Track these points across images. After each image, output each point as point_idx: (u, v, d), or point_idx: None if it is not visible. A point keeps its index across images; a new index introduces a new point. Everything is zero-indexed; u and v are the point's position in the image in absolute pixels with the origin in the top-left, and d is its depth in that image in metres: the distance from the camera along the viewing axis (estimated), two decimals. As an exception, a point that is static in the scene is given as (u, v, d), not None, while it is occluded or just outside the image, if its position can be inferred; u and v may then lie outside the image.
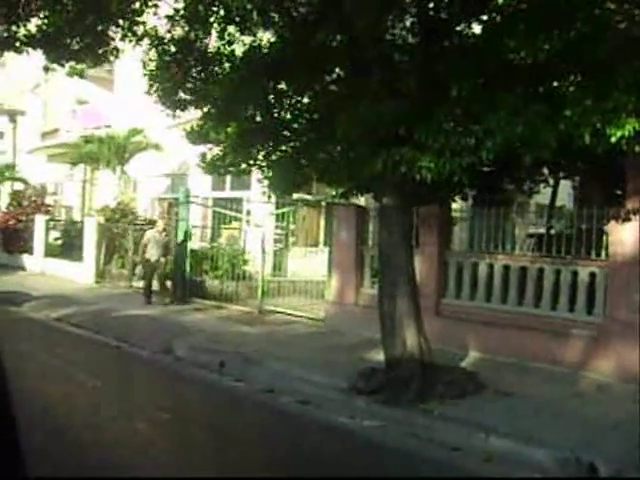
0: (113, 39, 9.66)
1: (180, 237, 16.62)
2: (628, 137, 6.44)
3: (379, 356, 8.90)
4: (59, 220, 26.08)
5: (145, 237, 16.34)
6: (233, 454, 6.35)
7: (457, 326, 10.76)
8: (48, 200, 28.15)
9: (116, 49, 9.92)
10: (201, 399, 8.49)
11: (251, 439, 6.90)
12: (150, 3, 9.31)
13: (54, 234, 23.78)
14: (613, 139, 6.48)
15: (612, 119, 6.40)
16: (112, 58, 10.15)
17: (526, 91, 7.13)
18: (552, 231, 12.06)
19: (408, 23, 8.36)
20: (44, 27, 9.22)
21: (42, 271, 22.16)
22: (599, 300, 9.51)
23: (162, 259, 16.08)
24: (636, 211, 8.90)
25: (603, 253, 9.83)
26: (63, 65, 10.04)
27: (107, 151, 24.20)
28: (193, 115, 10.31)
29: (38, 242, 23.35)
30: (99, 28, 9.26)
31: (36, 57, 10.61)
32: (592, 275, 9.59)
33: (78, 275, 20.32)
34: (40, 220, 23.63)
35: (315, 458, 6.38)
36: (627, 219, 8.99)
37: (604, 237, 9.75)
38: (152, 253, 15.93)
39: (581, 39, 6.75)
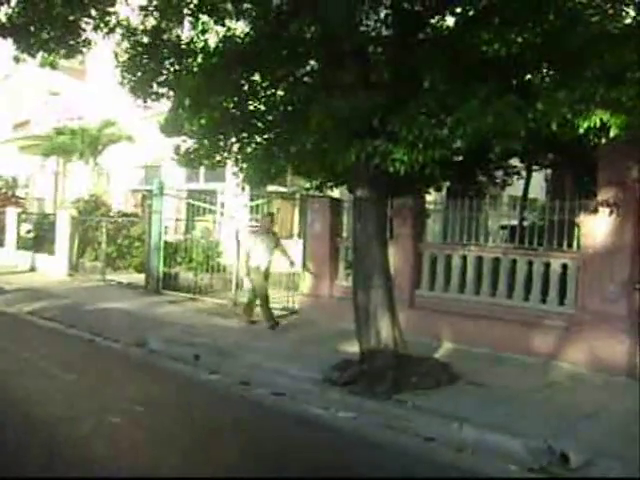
0: (85, 30, 9.54)
1: (154, 229, 16.51)
2: (594, 128, 6.51)
3: (354, 348, 8.92)
4: (31, 213, 25.80)
5: (250, 240, 12.73)
6: (208, 446, 6.34)
7: (431, 317, 10.83)
8: (20, 192, 27.85)
9: (88, 40, 9.79)
10: (176, 392, 8.46)
11: (226, 431, 6.90)
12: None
13: (26, 227, 23.51)
14: (581, 130, 6.56)
15: (581, 111, 6.46)
16: (84, 49, 10.02)
17: (499, 83, 7.17)
18: (525, 223, 12.17)
19: (382, 15, 8.36)
20: (14, 17, 9.09)
21: (14, 264, 21.91)
22: (571, 291, 9.62)
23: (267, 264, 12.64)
24: (607, 203, 8.99)
25: (575, 244, 9.94)
26: (34, 56, 9.89)
27: (80, 143, 24.04)
28: (167, 106, 10.24)
29: (10, 235, 23.10)
30: (70, 18, 9.14)
31: (6, 47, 10.47)
32: (564, 266, 9.68)
33: (51, 268, 20.13)
34: (12, 213, 23.36)
35: (290, 450, 6.40)
36: (598, 211, 9.09)
37: (576, 229, 9.86)
38: (261, 259, 12.37)
39: (553, 32, 6.81)
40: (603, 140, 6.86)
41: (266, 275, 12.51)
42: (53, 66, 11.38)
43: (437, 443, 6.58)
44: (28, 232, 23.28)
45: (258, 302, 12.48)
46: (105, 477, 5.48)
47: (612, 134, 6.60)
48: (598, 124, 6.46)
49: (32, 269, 20.93)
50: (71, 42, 9.59)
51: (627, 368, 8.71)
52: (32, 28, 9.17)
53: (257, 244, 12.33)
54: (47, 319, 12.94)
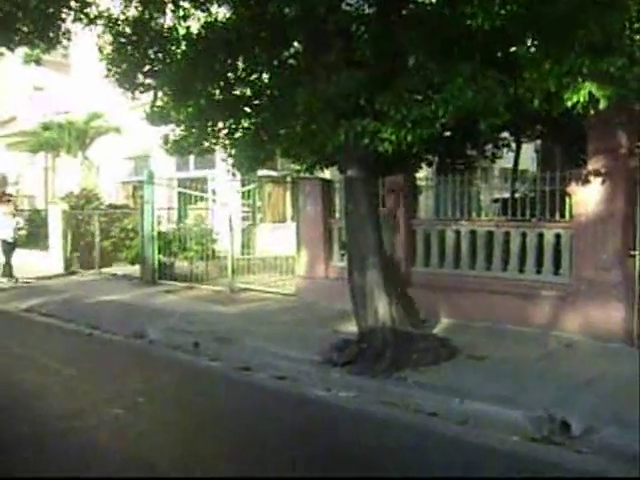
0: (64, 21, 9.46)
1: (147, 220, 16.48)
2: (583, 102, 6.51)
3: (352, 328, 8.96)
4: (22, 210, 25.69)
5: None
6: (214, 433, 6.38)
7: (428, 294, 10.82)
8: (10, 190, 27.72)
9: (68, 32, 9.73)
10: (177, 381, 8.47)
11: (230, 417, 6.92)
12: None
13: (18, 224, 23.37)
14: (569, 103, 6.56)
15: (569, 83, 6.46)
16: (65, 41, 9.95)
17: (484, 57, 7.16)
18: (516, 195, 12.19)
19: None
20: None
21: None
22: (565, 260, 9.66)
23: None
24: (598, 171, 9.01)
25: (567, 214, 9.97)
26: (12, 50, 9.80)
27: (67, 137, 23.94)
28: (153, 96, 10.20)
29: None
30: (50, 11, 9.06)
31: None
32: (557, 236, 9.71)
33: (45, 264, 20.08)
34: (2, 210, 23.21)
35: (294, 432, 6.43)
36: (589, 180, 9.11)
37: (567, 198, 9.88)
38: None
39: (536, 2, 6.79)
40: (591, 112, 6.86)
41: None
42: (37, 62, 11.30)
43: (440, 418, 6.62)
44: (20, 229, 23.18)
45: None
46: (105, 477, 5.50)
47: (601, 106, 6.61)
48: (587, 98, 6.46)
49: (26, 266, 20.85)
50: (51, 34, 9.51)
51: (623, 335, 8.77)
52: (11, 22, 9.09)
53: None
54: (45, 315, 12.93)
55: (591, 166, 9.12)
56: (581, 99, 6.47)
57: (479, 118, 7.26)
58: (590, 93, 6.43)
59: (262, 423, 6.69)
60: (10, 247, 17.70)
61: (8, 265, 17.53)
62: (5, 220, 17.90)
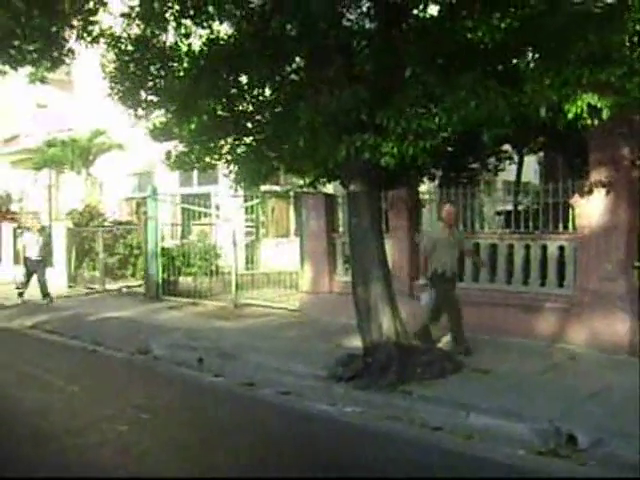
0: (67, 40, 9.51)
1: (151, 236, 16.50)
2: (582, 113, 6.52)
3: (356, 342, 8.94)
4: (26, 227, 25.73)
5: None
6: (218, 449, 6.35)
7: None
8: (14, 207, 27.77)
9: (71, 51, 9.77)
10: (182, 397, 8.46)
11: (235, 433, 6.90)
12: (104, 0, 9.20)
13: (22, 242, 23.42)
14: (570, 115, 6.58)
15: (568, 95, 6.48)
16: (68, 60, 9.99)
17: (485, 70, 7.18)
18: (520, 207, 12.19)
19: (365, 8, 8.36)
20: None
21: (13, 279, 21.83)
22: (569, 272, 9.64)
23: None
24: (600, 182, 9.02)
25: (571, 226, 9.96)
26: (16, 69, 9.85)
27: (71, 154, 23.99)
28: (156, 113, 10.23)
29: (6, 250, 23.03)
30: (53, 29, 9.11)
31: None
32: (561, 248, 9.71)
33: (50, 281, 20.08)
34: (7, 228, 23.31)
35: (300, 447, 6.41)
36: (592, 191, 9.11)
37: (570, 210, 9.87)
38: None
39: (536, 15, 6.82)
40: (596, 122, 6.87)
41: None
42: (42, 81, 11.33)
43: (445, 432, 6.60)
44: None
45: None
46: (105, 477, 5.47)
47: (605, 116, 6.62)
48: (585, 109, 6.48)
49: (31, 283, 20.86)
50: (54, 53, 9.56)
51: (628, 346, 8.75)
52: (14, 41, 9.14)
53: None
54: (49, 332, 12.94)
55: (593, 177, 9.13)
56: (578, 111, 6.49)
57: (483, 129, 7.28)
58: (589, 104, 6.45)
59: (267, 439, 6.68)
60: (38, 265, 16.93)
61: (41, 284, 16.66)
62: (31, 238, 17.41)
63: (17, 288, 17.29)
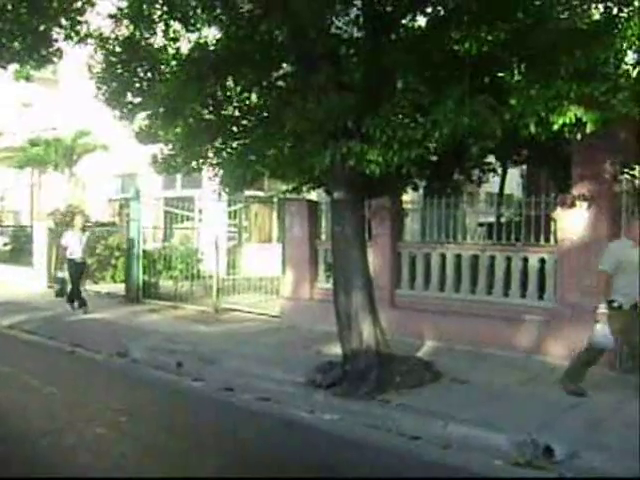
0: (56, 40, 9.48)
1: (133, 238, 16.43)
2: (570, 124, 6.58)
3: (336, 350, 8.94)
4: (7, 226, 25.57)
5: None
6: (196, 454, 6.32)
7: (412, 316, 10.86)
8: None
9: (59, 50, 9.74)
10: (160, 400, 8.42)
11: (212, 438, 6.87)
12: (92, 0, 9.18)
13: (2, 240, 23.28)
14: (556, 126, 6.63)
15: (555, 107, 6.53)
16: (55, 59, 9.96)
17: (472, 82, 7.23)
18: (502, 219, 12.25)
19: (353, 16, 8.39)
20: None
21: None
22: (550, 285, 9.70)
23: None
24: (582, 197, 9.09)
25: (552, 239, 10.02)
26: (5, 67, 9.81)
27: (54, 154, 23.91)
28: (142, 114, 10.20)
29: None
30: (41, 28, 9.08)
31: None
32: (542, 261, 9.77)
33: (29, 281, 19.96)
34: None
35: (277, 453, 6.39)
36: (574, 205, 9.17)
37: (552, 223, 9.94)
38: None
39: (523, 29, 6.88)
40: (579, 136, 6.94)
41: None
42: (28, 79, 11.29)
43: (423, 441, 6.60)
44: (5, 245, 23.05)
45: None
46: (103, 477, 5.43)
47: (588, 130, 6.69)
48: (573, 120, 6.54)
49: (10, 282, 20.70)
50: (42, 52, 9.53)
51: (607, 360, 8.78)
52: (2, 39, 9.10)
53: None
54: (27, 332, 12.83)
55: (576, 191, 9.19)
56: (567, 121, 6.54)
57: (470, 141, 7.32)
58: (576, 116, 6.51)
59: (244, 444, 6.65)
60: (79, 269, 15.11)
61: (76, 289, 14.95)
62: (75, 236, 15.17)
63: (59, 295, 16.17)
